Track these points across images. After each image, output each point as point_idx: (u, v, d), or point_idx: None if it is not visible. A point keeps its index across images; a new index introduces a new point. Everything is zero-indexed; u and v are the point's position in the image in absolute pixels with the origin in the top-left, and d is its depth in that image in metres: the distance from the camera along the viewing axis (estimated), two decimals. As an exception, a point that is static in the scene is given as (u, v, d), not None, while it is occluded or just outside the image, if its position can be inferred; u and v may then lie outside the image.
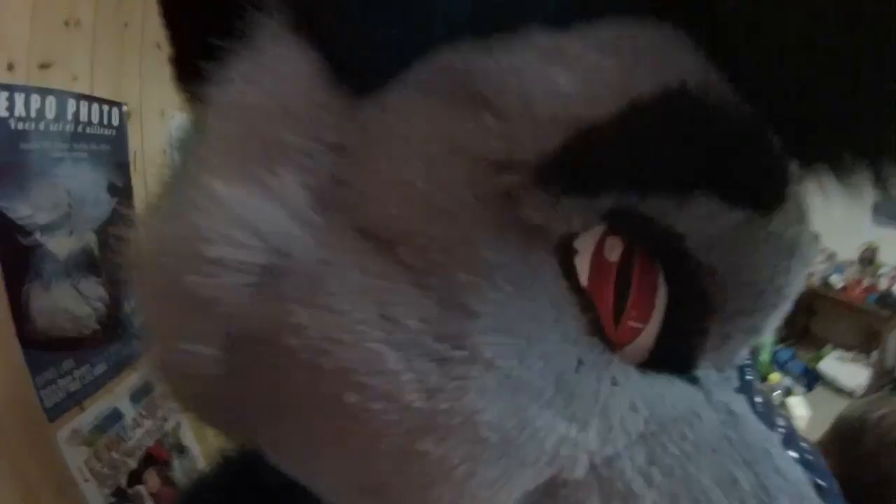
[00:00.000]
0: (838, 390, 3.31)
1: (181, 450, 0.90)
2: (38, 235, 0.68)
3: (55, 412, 0.65)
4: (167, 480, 0.84)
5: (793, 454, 0.27)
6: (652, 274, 0.21)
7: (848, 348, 3.44)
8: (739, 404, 0.22)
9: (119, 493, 0.73)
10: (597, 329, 0.20)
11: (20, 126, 0.67)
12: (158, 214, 0.21)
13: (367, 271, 0.18)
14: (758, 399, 0.28)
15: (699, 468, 0.18)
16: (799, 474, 0.20)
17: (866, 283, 3.15)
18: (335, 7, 0.18)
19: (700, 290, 0.20)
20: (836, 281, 3.29)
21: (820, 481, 0.25)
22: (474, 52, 0.19)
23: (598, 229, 0.20)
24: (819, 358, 3.47)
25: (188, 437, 0.93)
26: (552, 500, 0.19)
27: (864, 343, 3.23)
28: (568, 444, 0.18)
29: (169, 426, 0.88)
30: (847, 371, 3.24)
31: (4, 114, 0.65)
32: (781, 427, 0.31)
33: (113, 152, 0.87)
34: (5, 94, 0.65)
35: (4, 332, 0.62)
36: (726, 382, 0.23)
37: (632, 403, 0.19)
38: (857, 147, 0.19)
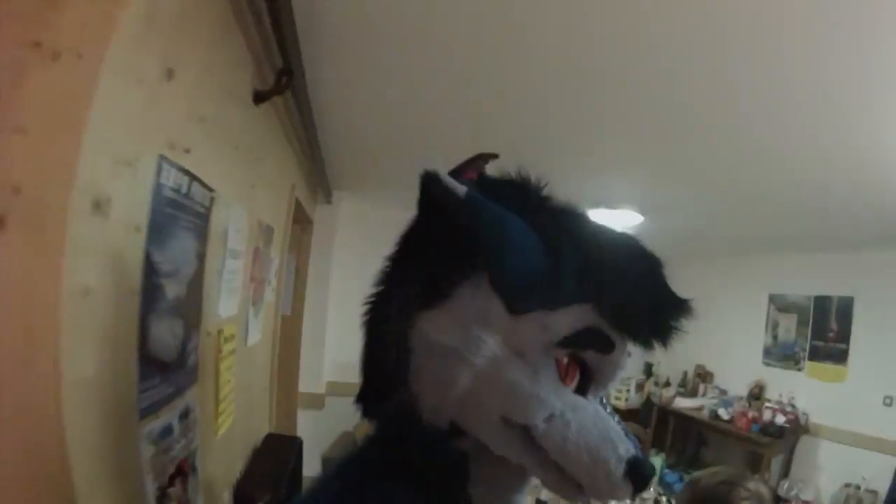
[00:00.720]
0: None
1: (194, 469, 1.06)
2: (162, 279, 0.92)
3: (144, 414, 0.85)
4: (185, 490, 0.99)
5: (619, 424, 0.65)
6: (575, 367, 0.64)
7: (729, 477, 3.86)
8: (598, 404, 0.65)
9: (161, 490, 0.89)
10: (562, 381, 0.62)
11: (169, 195, 0.94)
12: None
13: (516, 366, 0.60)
14: (608, 407, 0.66)
15: (587, 419, 0.60)
16: (619, 428, 0.61)
17: (751, 414, 3.66)
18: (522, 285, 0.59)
19: (588, 376, 0.65)
20: (724, 413, 3.78)
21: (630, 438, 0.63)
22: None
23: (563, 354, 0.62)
24: (705, 485, 3.86)
25: (199, 460, 1.09)
26: (549, 423, 0.58)
27: (749, 467, 3.66)
28: (551, 404, 0.59)
29: (193, 447, 1.05)
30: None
31: (165, 181, 0.91)
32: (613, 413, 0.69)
33: (201, 227, 1.13)
34: (167, 166, 0.92)
35: (131, 346, 0.83)
36: (595, 399, 0.66)
37: (568, 396, 0.61)
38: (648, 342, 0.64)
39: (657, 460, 3.99)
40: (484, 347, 0.59)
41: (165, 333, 0.93)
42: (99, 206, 0.68)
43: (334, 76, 1.64)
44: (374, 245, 3.89)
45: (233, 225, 1.41)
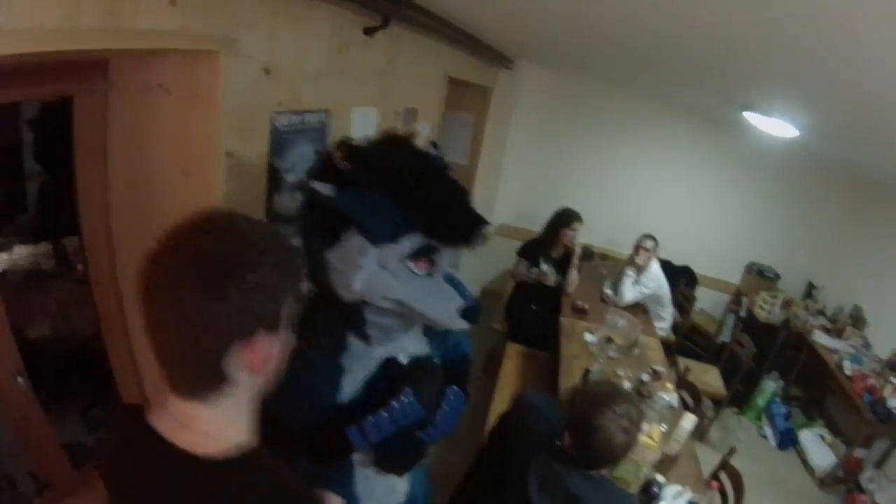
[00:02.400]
0: (804, 462, 3.53)
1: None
2: (282, 173, 1.71)
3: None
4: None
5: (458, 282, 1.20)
6: (426, 259, 1.15)
7: (835, 433, 3.64)
8: (440, 278, 1.16)
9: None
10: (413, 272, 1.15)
11: (283, 128, 1.67)
12: None
13: (383, 273, 1.10)
14: (455, 276, 1.19)
15: (432, 291, 1.13)
16: (452, 290, 1.14)
17: (870, 382, 3.20)
18: None
19: (433, 262, 1.17)
20: (847, 368, 3.38)
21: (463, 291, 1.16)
22: None
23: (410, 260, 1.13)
24: (807, 426, 3.74)
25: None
26: (406, 298, 1.11)
27: (852, 438, 3.43)
28: (403, 289, 1.11)
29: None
30: (819, 450, 3.48)
31: (278, 124, 1.63)
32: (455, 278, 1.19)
33: (318, 135, 1.86)
34: (278, 115, 1.63)
35: (262, 210, 1.67)
36: (439, 273, 1.17)
37: (418, 280, 1.12)
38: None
39: (770, 384, 3.88)
40: (362, 269, 1.08)
41: (286, 200, 1.76)
42: (230, 154, 1.45)
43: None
44: (551, 108, 4.43)
45: (360, 123, 2.10)
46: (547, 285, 3.34)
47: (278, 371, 0.72)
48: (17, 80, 1.07)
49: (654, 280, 3.46)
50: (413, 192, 1.05)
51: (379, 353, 1.24)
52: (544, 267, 3.34)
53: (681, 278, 4.32)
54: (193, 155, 1.38)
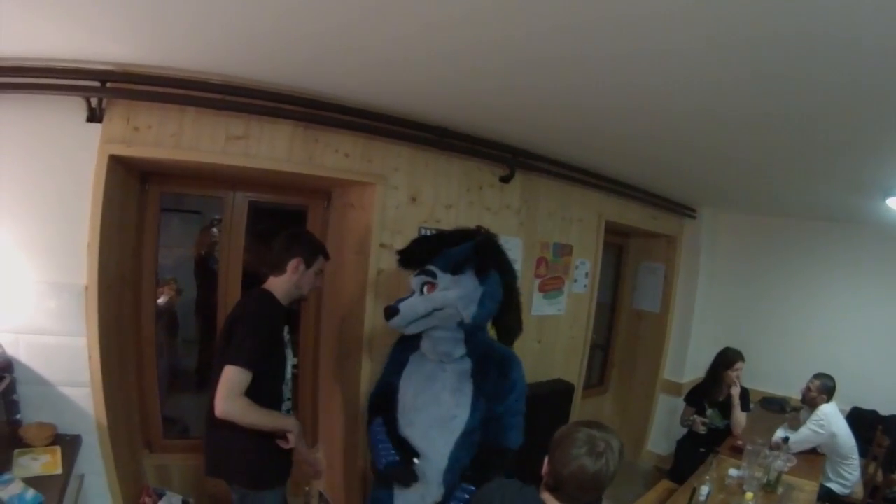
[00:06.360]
0: None
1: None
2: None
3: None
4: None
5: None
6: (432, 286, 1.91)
7: None
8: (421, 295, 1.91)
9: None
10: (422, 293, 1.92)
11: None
12: None
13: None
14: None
15: (412, 302, 1.89)
16: (409, 301, 1.86)
17: None
18: None
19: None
20: None
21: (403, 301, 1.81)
22: None
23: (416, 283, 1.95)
24: None
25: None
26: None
27: None
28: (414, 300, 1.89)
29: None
30: None
31: (424, 233, 2.43)
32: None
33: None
34: (423, 230, 2.43)
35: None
36: (420, 293, 1.92)
37: (415, 297, 1.91)
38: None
39: None
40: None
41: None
42: (383, 245, 2.28)
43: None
44: (737, 254, 4.70)
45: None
46: (719, 430, 3.13)
47: (303, 288, 1.80)
48: (277, 191, 2.21)
49: (822, 424, 2.94)
50: (415, 250, 1.88)
51: (425, 353, 1.89)
52: (709, 412, 3.18)
53: (879, 427, 3.40)
54: (362, 243, 2.26)
